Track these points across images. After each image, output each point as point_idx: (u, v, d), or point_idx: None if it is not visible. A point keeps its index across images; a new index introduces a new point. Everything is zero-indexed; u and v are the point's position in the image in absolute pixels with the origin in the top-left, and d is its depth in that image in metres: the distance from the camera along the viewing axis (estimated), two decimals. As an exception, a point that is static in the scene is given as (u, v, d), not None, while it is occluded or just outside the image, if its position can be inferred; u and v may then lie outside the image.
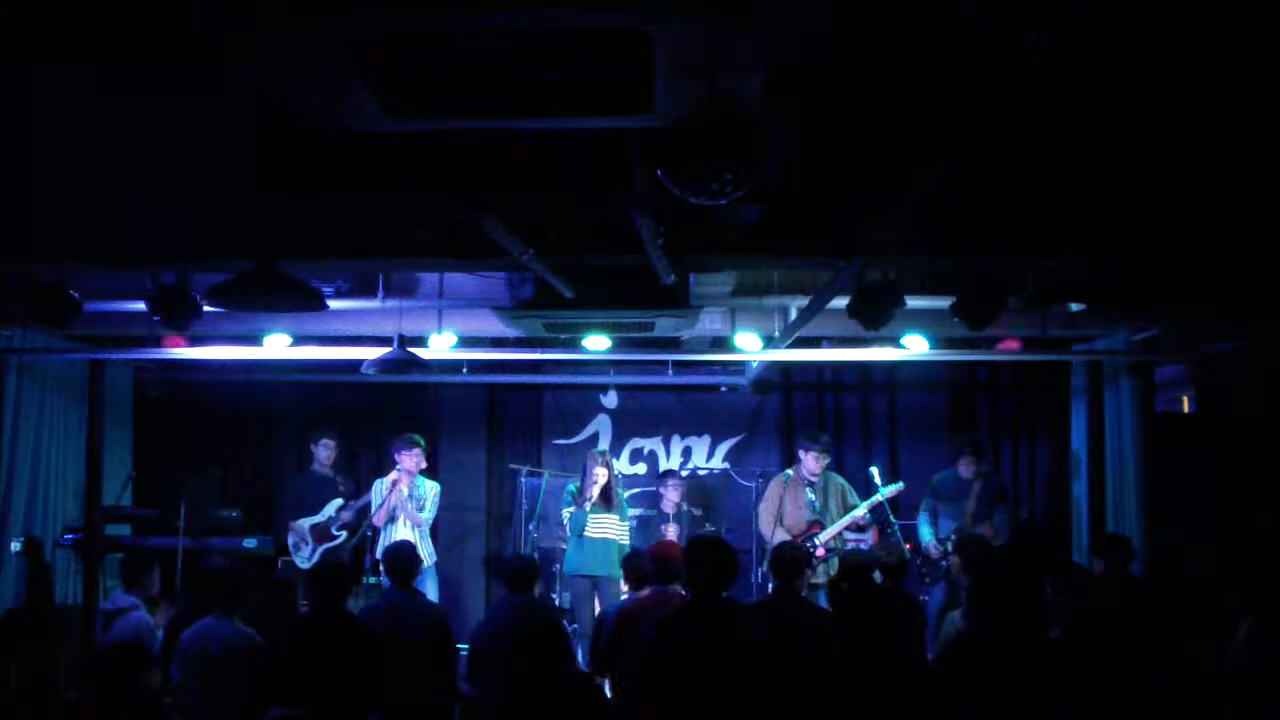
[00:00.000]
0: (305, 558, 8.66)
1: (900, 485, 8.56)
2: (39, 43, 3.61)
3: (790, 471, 8.70)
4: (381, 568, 7.35)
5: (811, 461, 8.53)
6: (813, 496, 8.50)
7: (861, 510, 8.42)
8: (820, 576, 8.24)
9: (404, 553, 6.15)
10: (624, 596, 6.49)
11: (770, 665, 4.30)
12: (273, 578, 8.78)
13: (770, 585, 5.86)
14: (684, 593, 5.64)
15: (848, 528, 8.43)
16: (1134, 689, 5.57)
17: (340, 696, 5.04)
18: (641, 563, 6.03)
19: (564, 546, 8.99)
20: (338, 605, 5.39)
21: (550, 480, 9.41)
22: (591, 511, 8.31)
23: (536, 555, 8.28)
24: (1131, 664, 5.68)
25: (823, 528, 8.40)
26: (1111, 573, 6.58)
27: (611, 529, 8.35)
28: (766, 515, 8.60)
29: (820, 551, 8.31)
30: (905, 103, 4.12)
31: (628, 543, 8.36)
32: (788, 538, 8.11)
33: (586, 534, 8.29)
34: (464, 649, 6.10)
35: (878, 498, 8.40)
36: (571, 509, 8.42)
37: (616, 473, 8.74)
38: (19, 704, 4.90)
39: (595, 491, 8.29)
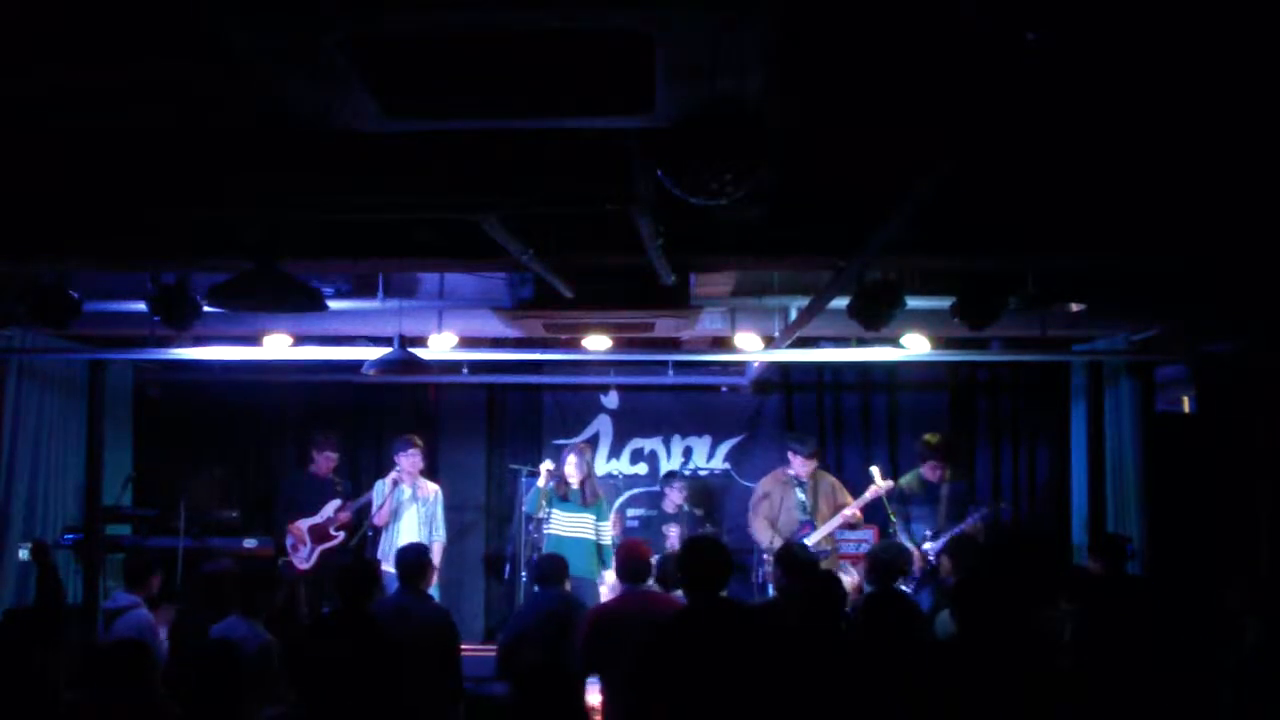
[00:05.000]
0: (303, 558, 8.66)
1: (890, 483, 8.51)
2: (40, 41, 3.61)
3: (792, 471, 8.67)
4: (388, 568, 7.39)
5: (800, 465, 8.52)
6: (803, 497, 8.47)
7: (851, 509, 8.41)
8: None
9: (416, 555, 6.15)
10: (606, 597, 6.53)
11: (770, 665, 4.30)
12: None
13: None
14: (657, 591, 5.68)
15: (841, 527, 8.41)
16: (1133, 689, 5.57)
17: (357, 697, 5.04)
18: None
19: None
20: (363, 606, 5.40)
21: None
22: (566, 509, 8.32)
23: (535, 555, 8.29)
24: (1131, 664, 5.69)
25: (813, 529, 8.37)
26: (1110, 573, 6.58)
27: (587, 528, 8.34)
28: (758, 517, 8.57)
29: None
30: (906, 102, 4.12)
31: (608, 542, 8.35)
32: (778, 539, 8.11)
33: (561, 533, 8.30)
34: (471, 650, 6.15)
35: (868, 495, 8.39)
36: (541, 506, 8.38)
37: (611, 472, 8.74)
38: (19, 704, 4.89)
39: (568, 487, 8.30)
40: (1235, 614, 5.64)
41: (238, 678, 4.37)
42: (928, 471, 8.55)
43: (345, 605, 5.43)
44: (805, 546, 6.16)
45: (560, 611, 6.01)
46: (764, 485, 8.71)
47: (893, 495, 8.50)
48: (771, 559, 8.08)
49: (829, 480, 8.72)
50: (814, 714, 4.33)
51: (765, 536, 8.36)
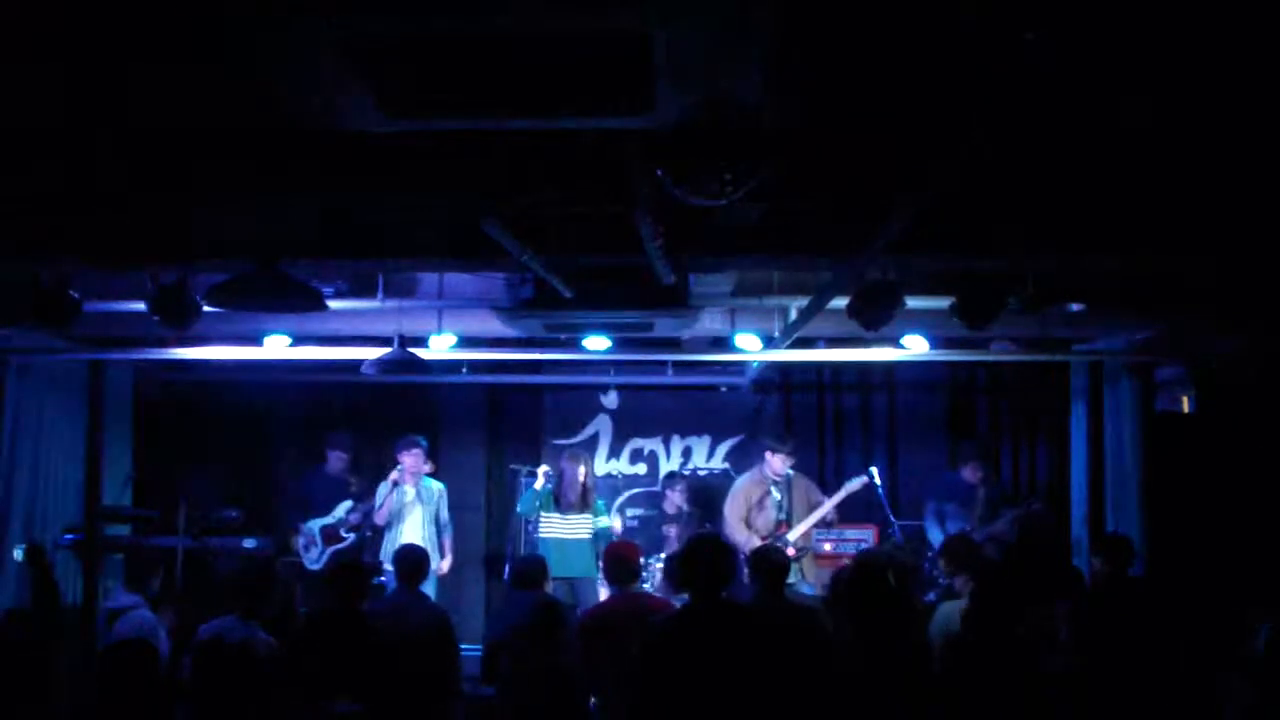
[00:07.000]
0: (314, 559, 8.67)
1: (864, 479, 8.53)
2: (40, 42, 3.61)
3: (769, 471, 8.64)
4: (389, 568, 7.39)
5: (778, 463, 8.51)
6: (779, 496, 8.48)
7: (828, 506, 8.44)
8: (793, 576, 8.25)
9: (417, 555, 6.16)
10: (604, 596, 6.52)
11: (772, 665, 4.30)
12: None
13: (751, 589, 5.77)
14: (646, 592, 5.68)
15: (817, 526, 8.46)
16: (1133, 690, 5.57)
17: (353, 696, 5.04)
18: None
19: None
20: (356, 606, 5.40)
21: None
22: (565, 513, 8.36)
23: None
24: (1131, 664, 5.69)
25: (790, 527, 8.40)
26: (1111, 573, 6.57)
27: (583, 529, 8.41)
28: (733, 518, 8.57)
29: (791, 551, 8.30)
30: (906, 103, 4.12)
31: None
32: (755, 539, 8.12)
33: (561, 536, 8.36)
34: (470, 650, 6.13)
35: (842, 493, 8.43)
36: (539, 511, 8.45)
37: (610, 472, 8.79)
38: (19, 704, 4.90)
39: (576, 495, 8.35)
40: (1247, 616, 5.62)
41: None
42: (969, 473, 8.69)
43: (339, 605, 5.43)
44: (780, 549, 6.15)
45: (538, 614, 5.92)
46: (745, 488, 8.67)
47: (927, 494, 8.61)
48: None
49: (804, 480, 8.75)
50: (814, 713, 4.33)
51: (743, 537, 8.34)
